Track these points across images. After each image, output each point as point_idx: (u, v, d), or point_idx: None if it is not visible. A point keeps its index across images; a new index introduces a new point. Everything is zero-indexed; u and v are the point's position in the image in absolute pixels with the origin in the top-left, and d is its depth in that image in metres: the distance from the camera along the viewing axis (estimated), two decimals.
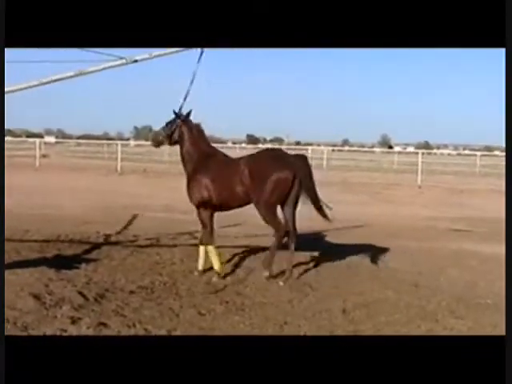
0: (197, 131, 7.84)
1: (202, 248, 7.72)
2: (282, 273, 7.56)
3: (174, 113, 7.84)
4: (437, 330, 5.65)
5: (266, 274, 7.44)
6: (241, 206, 7.78)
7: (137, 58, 7.32)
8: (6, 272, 6.73)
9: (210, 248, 7.65)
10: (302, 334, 5.41)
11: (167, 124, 7.93)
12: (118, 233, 10.77)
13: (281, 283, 7.24)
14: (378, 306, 6.39)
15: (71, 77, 7.16)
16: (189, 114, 7.86)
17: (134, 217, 12.83)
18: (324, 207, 7.63)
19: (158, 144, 8.13)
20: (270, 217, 7.39)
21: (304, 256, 8.79)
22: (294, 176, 7.29)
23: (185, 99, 7.81)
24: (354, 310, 6.22)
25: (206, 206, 7.65)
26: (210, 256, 7.62)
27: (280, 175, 7.25)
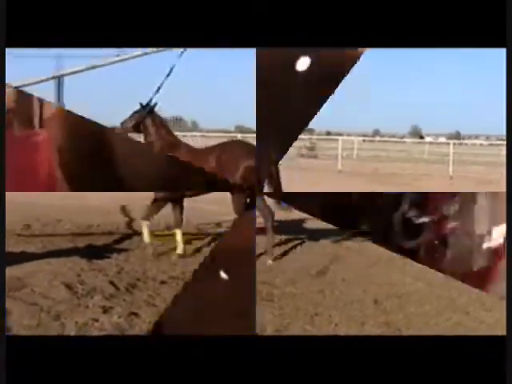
0: (160, 122, 8.05)
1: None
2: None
3: (141, 105, 8.00)
4: (465, 323, 5.61)
5: (269, 261, 7.67)
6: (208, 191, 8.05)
7: (138, 52, 7.59)
8: (41, 261, 6.92)
9: (178, 231, 7.95)
10: (332, 324, 5.41)
11: (134, 113, 8.09)
12: (129, 223, 10.83)
13: (270, 261, 7.62)
14: (409, 298, 6.37)
15: (82, 70, 7.42)
16: (154, 106, 8.01)
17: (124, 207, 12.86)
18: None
19: (126, 132, 8.22)
20: (237, 204, 7.66)
21: (333, 247, 8.80)
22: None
23: (156, 92, 7.94)
24: (387, 301, 6.21)
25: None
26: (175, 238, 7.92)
27: (249, 163, 7.55)
